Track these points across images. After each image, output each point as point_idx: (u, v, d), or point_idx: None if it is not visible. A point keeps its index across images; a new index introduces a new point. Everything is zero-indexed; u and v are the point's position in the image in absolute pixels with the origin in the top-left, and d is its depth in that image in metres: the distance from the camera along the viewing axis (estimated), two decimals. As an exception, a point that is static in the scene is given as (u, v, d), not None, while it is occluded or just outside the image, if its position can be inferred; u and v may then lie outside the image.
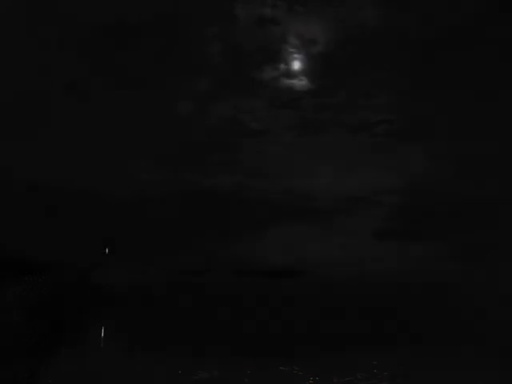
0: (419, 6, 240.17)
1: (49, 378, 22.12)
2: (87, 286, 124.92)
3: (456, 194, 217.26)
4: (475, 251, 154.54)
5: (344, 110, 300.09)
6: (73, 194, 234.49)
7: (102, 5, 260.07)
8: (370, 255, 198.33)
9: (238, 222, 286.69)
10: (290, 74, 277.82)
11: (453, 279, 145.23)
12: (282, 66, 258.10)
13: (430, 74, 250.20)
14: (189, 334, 66.02)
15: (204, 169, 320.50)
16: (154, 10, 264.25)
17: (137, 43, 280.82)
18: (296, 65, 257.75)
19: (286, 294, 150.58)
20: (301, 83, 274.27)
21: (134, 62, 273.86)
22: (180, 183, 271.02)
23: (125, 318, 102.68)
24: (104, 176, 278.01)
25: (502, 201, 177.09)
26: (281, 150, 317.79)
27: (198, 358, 33.06)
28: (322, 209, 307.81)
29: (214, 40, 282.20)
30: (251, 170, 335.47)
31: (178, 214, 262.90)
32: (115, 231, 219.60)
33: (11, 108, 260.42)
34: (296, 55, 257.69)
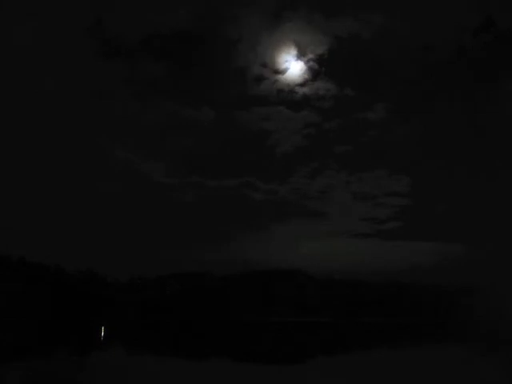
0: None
1: (51, 376, 22.02)
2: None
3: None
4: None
5: (354, 112, 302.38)
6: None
7: (134, 17, 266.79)
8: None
9: (241, 222, 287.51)
10: (306, 81, 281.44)
11: (457, 279, 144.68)
12: (298, 74, 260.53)
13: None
14: (189, 334, 65.75)
15: (215, 171, 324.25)
16: (185, 24, 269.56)
17: (167, 55, 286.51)
18: (309, 71, 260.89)
19: (287, 293, 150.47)
20: (314, 88, 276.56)
21: (163, 71, 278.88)
22: (192, 186, 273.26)
23: (125, 318, 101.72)
24: (119, 176, 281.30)
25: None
26: (290, 151, 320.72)
27: (198, 359, 32.89)
28: (325, 209, 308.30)
29: (236, 52, 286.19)
30: (259, 171, 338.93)
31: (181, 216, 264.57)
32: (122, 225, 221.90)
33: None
34: (308, 63, 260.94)
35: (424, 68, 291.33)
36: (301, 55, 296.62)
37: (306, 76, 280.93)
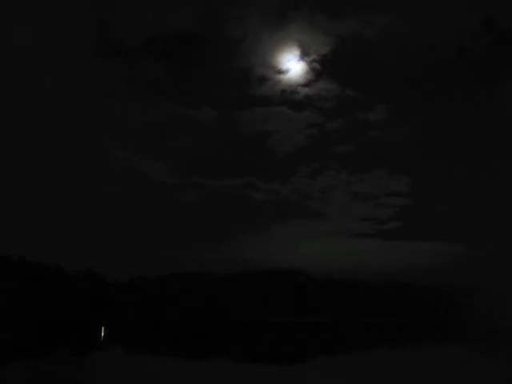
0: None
1: (51, 376, 22.03)
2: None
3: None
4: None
5: (355, 113, 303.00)
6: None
7: (134, 17, 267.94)
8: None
9: (242, 222, 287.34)
10: (309, 81, 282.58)
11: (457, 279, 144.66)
12: (300, 74, 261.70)
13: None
14: (189, 334, 65.73)
15: (215, 170, 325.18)
16: (185, 24, 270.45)
17: (167, 55, 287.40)
18: (311, 72, 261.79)
19: (287, 293, 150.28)
20: (317, 88, 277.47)
21: (163, 71, 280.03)
22: (192, 186, 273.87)
23: (125, 318, 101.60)
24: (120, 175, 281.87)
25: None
26: (291, 151, 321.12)
27: (198, 359, 32.88)
28: (326, 209, 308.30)
29: (238, 52, 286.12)
30: (260, 171, 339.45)
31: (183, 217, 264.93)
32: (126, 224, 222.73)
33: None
34: (311, 63, 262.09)
35: (424, 68, 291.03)
36: (303, 55, 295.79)
37: (309, 76, 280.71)
